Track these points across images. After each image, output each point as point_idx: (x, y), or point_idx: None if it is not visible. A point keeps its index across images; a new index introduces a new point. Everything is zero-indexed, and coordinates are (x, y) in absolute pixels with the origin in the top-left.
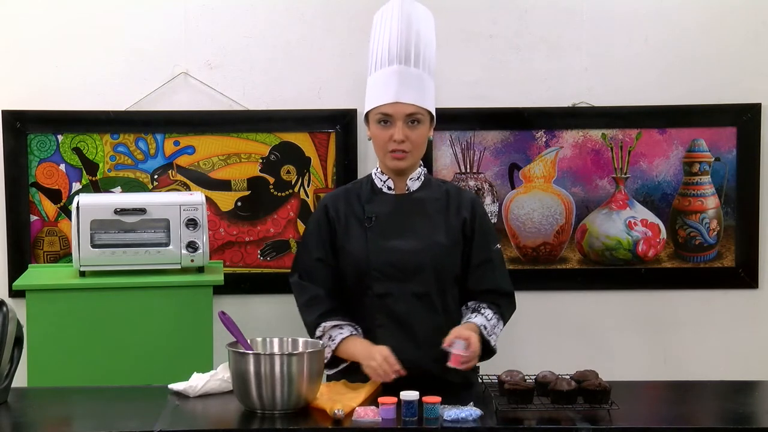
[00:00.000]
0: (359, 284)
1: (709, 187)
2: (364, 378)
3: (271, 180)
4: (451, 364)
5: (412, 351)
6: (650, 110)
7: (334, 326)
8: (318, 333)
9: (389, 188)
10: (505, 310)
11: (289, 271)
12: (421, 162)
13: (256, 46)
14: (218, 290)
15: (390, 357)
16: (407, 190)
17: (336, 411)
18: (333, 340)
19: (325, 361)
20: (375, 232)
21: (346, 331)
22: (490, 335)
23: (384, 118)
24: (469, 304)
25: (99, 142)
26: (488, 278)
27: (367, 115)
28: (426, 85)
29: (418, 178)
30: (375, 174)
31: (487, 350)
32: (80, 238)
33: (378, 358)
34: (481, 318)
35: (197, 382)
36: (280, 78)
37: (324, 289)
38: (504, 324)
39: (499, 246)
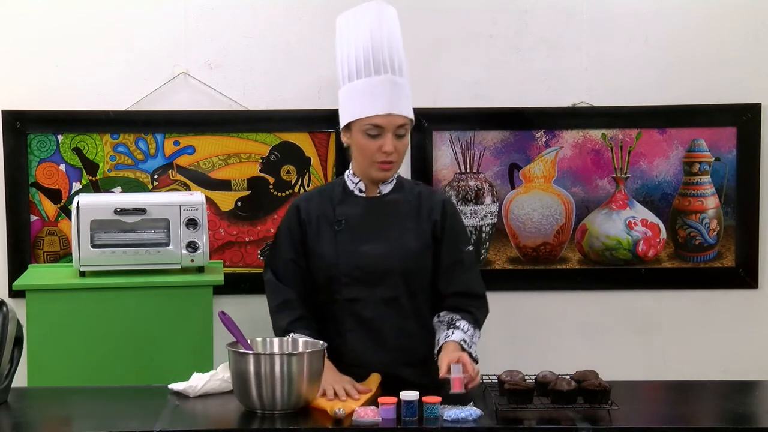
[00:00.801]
0: (328, 288)
1: (709, 187)
2: (364, 378)
3: (271, 180)
4: (454, 390)
5: (382, 356)
6: (650, 110)
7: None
8: None
9: (360, 191)
10: (478, 315)
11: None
12: None
13: (256, 46)
14: (218, 290)
15: (352, 390)
16: (378, 192)
17: (336, 411)
18: None
19: None
20: (344, 236)
21: None
22: (470, 347)
23: (374, 129)
24: (441, 315)
25: (99, 142)
26: (458, 280)
27: (349, 124)
28: (409, 94)
29: (390, 181)
30: (347, 176)
31: None
32: (80, 238)
33: (338, 388)
34: (459, 333)
35: (197, 382)
36: (280, 78)
37: (295, 292)
38: (480, 330)
39: (471, 248)
